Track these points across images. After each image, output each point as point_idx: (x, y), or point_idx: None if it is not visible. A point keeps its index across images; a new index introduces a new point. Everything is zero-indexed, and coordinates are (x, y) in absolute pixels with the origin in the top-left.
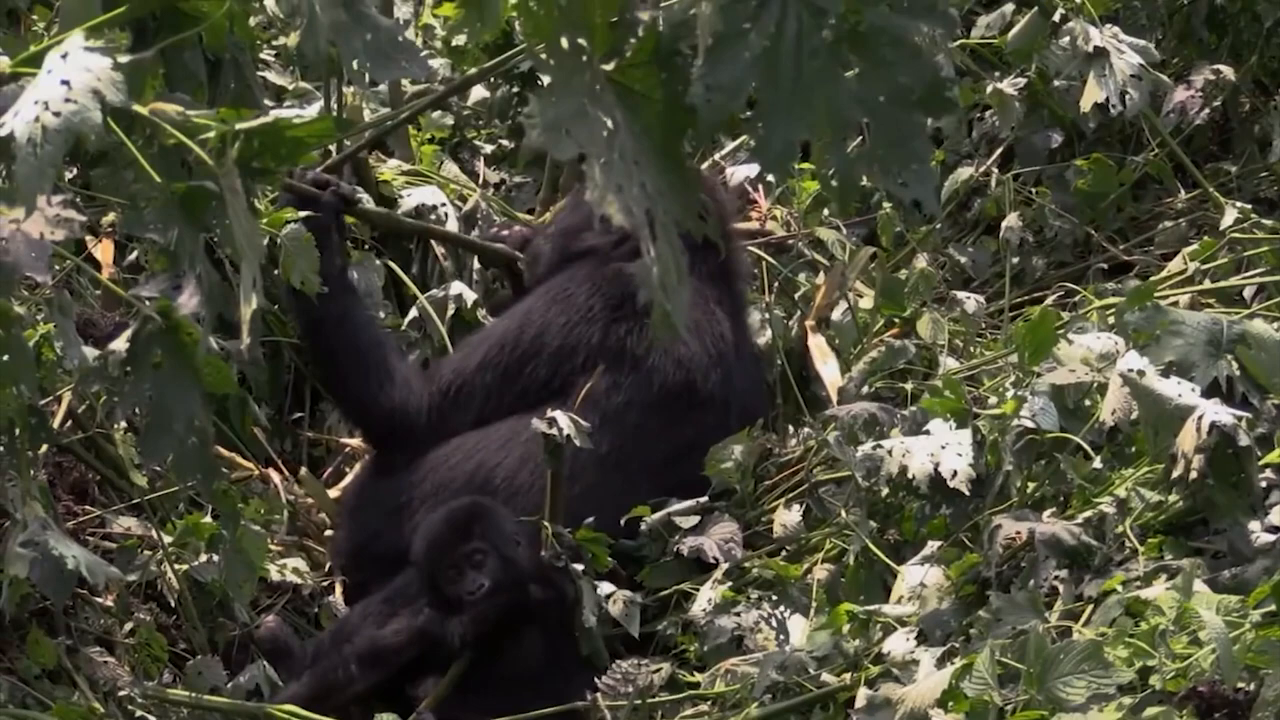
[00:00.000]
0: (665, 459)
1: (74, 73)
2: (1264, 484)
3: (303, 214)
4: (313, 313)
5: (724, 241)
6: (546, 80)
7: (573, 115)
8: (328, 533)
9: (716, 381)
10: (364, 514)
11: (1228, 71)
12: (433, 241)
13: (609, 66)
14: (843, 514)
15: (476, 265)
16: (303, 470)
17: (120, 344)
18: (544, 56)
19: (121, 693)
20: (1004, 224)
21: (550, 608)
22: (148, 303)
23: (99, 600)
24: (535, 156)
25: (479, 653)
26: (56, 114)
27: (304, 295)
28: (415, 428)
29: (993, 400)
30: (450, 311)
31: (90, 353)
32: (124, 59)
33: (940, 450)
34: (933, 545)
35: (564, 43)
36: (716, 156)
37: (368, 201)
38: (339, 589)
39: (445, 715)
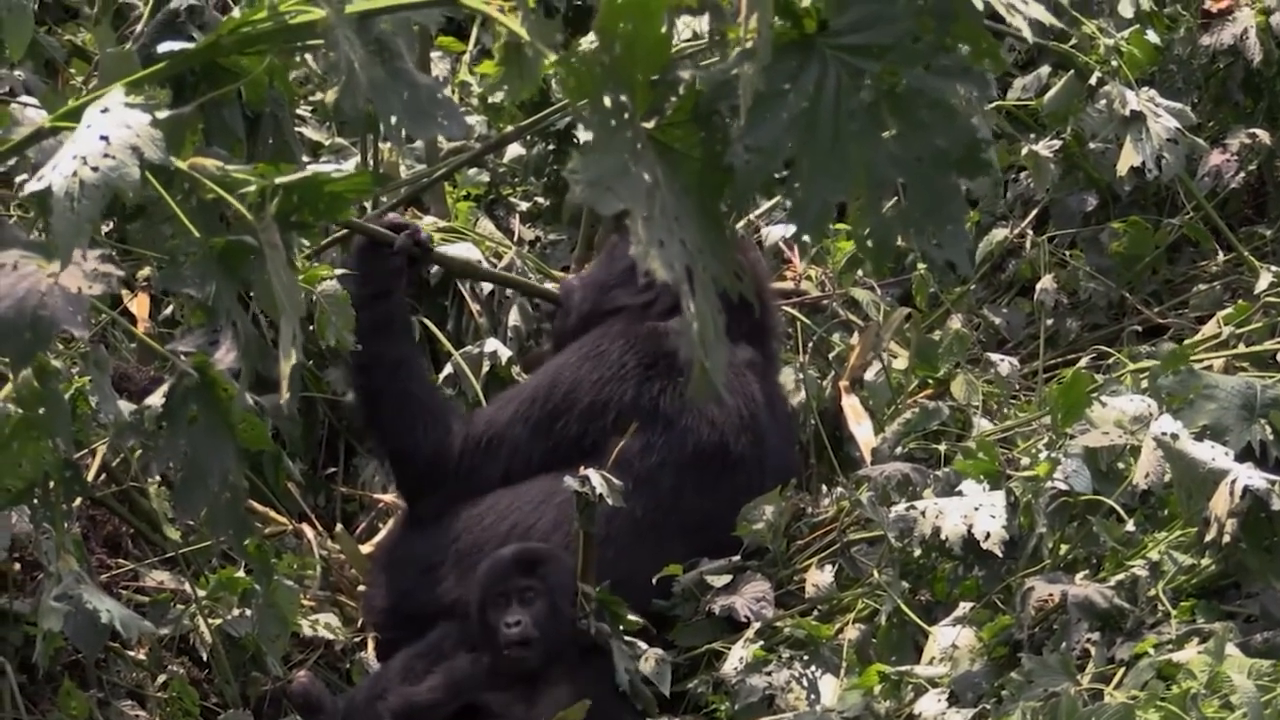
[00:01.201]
0: (699, 522)
1: (113, 128)
2: None
3: (340, 275)
4: (368, 352)
5: (759, 301)
6: (589, 137)
7: (615, 172)
8: (360, 588)
9: (748, 443)
10: (396, 572)
11: (1263, 135)
12: (467, 298)
13: (649, 125)
14: (875, 574)
15: (512, 322)
16: (338, 527)
17: (156, 399)
18: (586, 114)
19: None
20: (1038, 286)
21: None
22: (184, 358)
23: (131, 653)
24: (572, 216)
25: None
26: (95, 169)
27: (363, 333)
28: (447, 475)
29: (1026, 462)
30: (485, 369)
31: (125, 407)
32: (163, 115)
33: (973, 511)
34: (965, 606)
35: (606, 101)
36: (752, 215)
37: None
38: (371, 645)
39: None
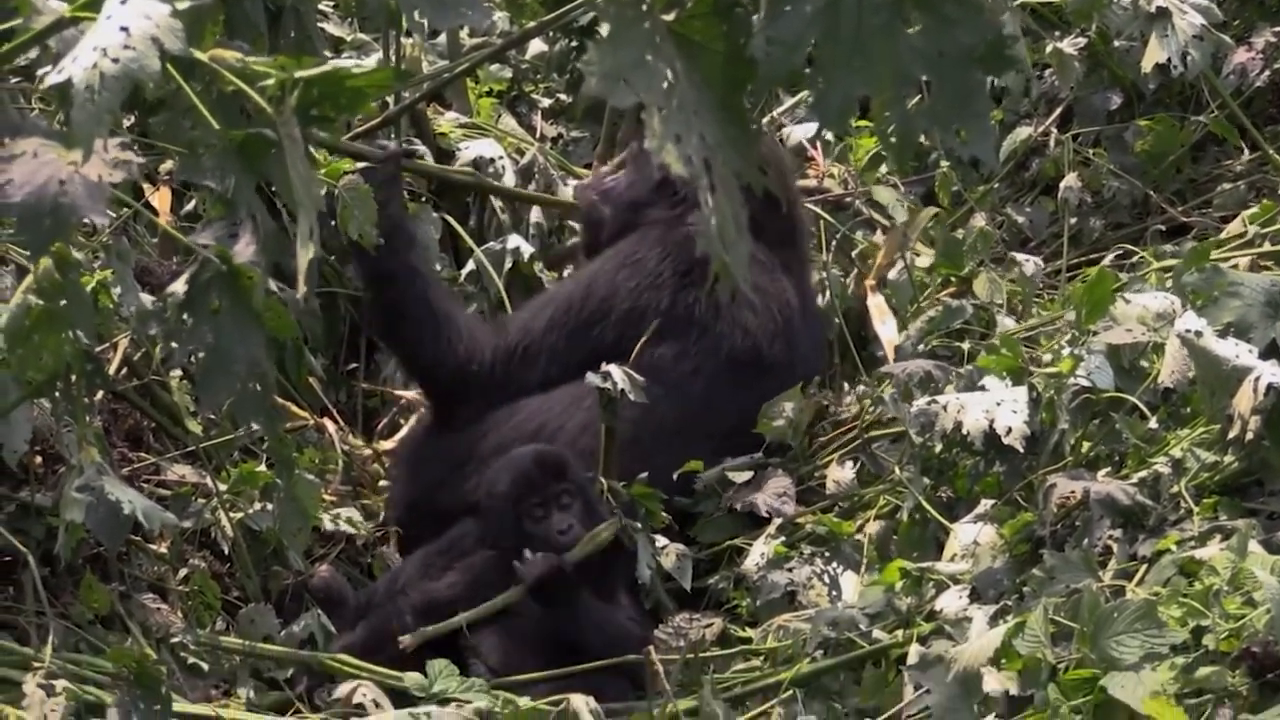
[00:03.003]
0: (729, 426)
1: (133, 19)
2: None
3: (362, 166)
4: (381, 266)
5: (786, 200)
6: (606, 29)
7: (632, 64)
8: (382, 483)
9: (782, 348)
10: (423, 467)
11: None
12: (490, 194)
13: (669, 17)
14: (896, 471)
15: (534, 219)
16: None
17: (179, 286)
18: (604, 5)
19: (174, 639)
20: (1062, 184)
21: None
22: (205, 248)
23: (153, 547)
24: (591, 109)
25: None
26: (115, 60)
27: (376, 249)
28: (479, 384)
29: (1049, 359)
30: (508, 265)
31: (147, 299)
32: (183, 5)
33: (995, 407)
34: (986, 503)
35: None
36: (775, 113)
37: (426, 156)
38: (393, 539)
39: (504, 669)
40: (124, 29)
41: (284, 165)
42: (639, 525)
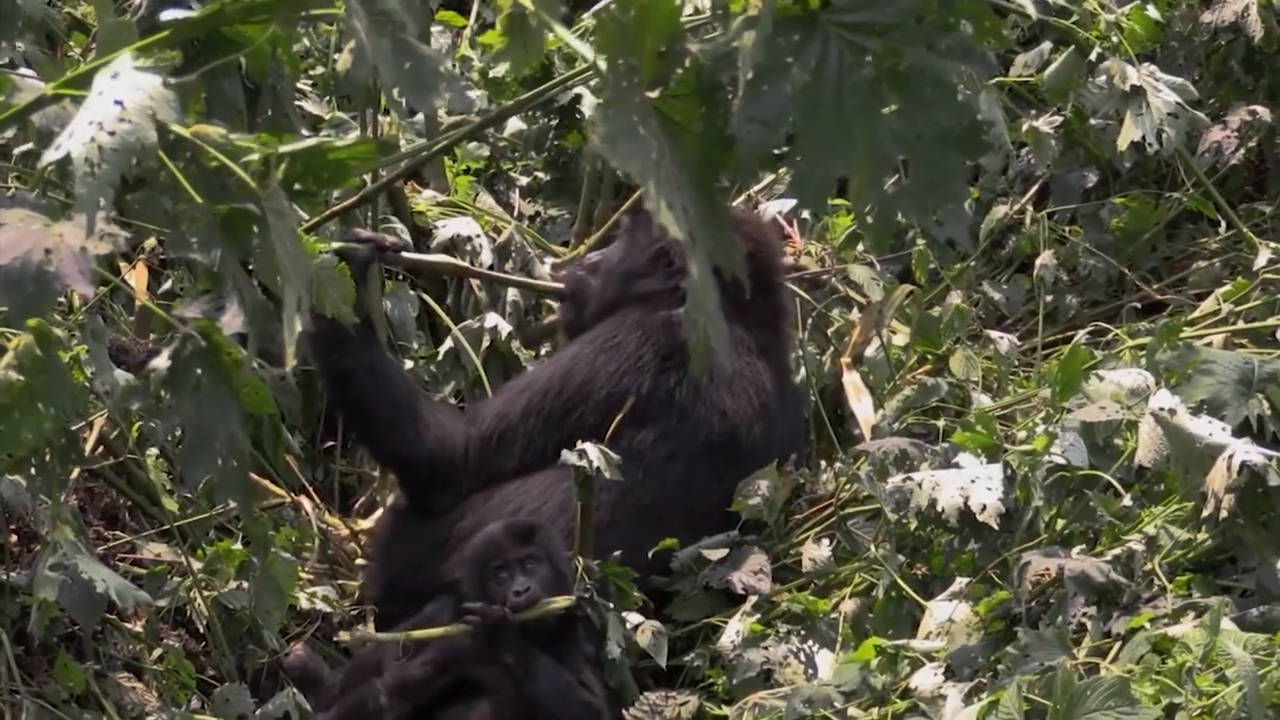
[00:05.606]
0: (707, 510)
1: (126, 92)
2: None
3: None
4: (341, 364)
5: (771, 284)
6: (604, 94)
7: (625, 131)
8: (359, 562)
9: (760, 434)
10: (400, 548)
11: (1264, 112)
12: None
13: (653, 94)
14: (872, 548)
15: (511, 297)
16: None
17: (161, 362)
18: (604, 70)
19: (149, 719)
20: (1038, 262)
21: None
22: (188, 323)
23: (128, 626)
24: (568, 187)
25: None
26: (111, 134)
27: (330, 349)
28: (454, 473)
29: (1024, 436)
30: (485, 344)
31: (123, 377)
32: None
33: (970, 484)
34: (961, 581)
35: (620, 63)
36: (751, 191)
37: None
38: (370, 618)
39: None
40: (118, 103)
41: (267, 241)
42: (610, 605)
